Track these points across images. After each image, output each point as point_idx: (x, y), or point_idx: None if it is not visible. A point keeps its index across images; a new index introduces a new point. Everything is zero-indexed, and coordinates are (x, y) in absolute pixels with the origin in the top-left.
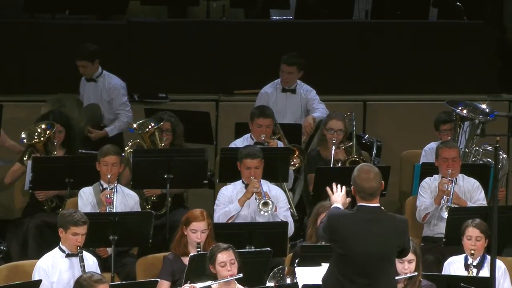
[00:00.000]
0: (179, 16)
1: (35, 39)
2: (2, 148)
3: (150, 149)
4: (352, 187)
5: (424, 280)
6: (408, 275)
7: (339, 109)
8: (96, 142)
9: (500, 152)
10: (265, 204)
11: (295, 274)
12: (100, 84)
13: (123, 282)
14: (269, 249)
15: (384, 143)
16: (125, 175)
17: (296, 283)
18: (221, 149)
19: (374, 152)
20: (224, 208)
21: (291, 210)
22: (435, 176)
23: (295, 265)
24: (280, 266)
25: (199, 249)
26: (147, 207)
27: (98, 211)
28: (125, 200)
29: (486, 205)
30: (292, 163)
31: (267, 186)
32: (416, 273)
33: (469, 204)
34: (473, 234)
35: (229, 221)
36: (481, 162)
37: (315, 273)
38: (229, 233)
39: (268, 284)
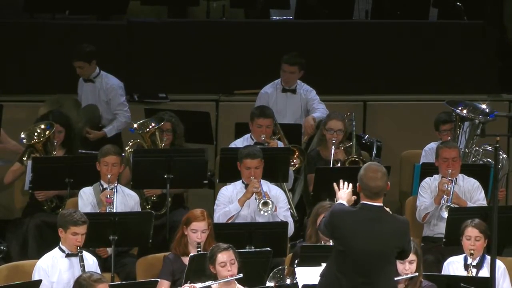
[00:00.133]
0: (179, 16)
1: (35, 39)
2: (3, 148)
3: (150, 149)
4: (358, 184)
5: (425, 280)
6: (409, 275)
7: (339, 109)
8: (95, 142)
9: (500, 152)
10: (265, 204)
11: (295, 274)
12: (98, 84)
13: (123, 282)
14: (269, 249)
15: (384, 143)
16: (125, 175)
17: (296, 283)
18: (221, 149)
19: (374, 152)
20: (224, 208)
21: (291, 211)
22: (435, 176)
23: (295, 265)
24: (280, 267)
25: (199, 249)
26: (147, 207)
27: (98, 211)
28: (125, 200)
29: (486, 205)
30: (292, 163)
31: (267, 186)
32: (417, 274)
33: (469, 204)
34: (472, 234)
35: (229, 221)
36: (481, 162)
37: (315, 273)
38: (229, 233)
39: (268, 284)
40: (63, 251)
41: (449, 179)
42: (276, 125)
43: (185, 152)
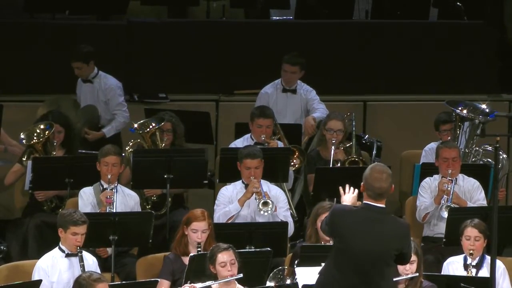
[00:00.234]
0: (179, 16)
1: (35, 39)
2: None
3: (150, 149)
4: (362, 183)
5: (425, 280)
6: (409, 275)
7: (339, 109)
8: (94, 142)
9: (500, 152)
10: (265, 204)
11: (295, 274)
12: (96, 85)
13: (123, 282)
14: (269, 249)
15: (384, 143)
16: (126, 174)
17: (296, 283)
18: (221, 149)
19: (374, 152)
20: (224, 208)
21: (291, 211)
22: (435, 176)
23: (295, 265)
24: (280, 267)
25: (200, 249)
26: (147, 207)
27: (98, 211)
28: (126, 200)
29: (486, 205)
30: (292, 163)
31: (267, 186)
32: (417, 274)
33: (469, 204)
34: (471, 234)
35: (229, 221)
36: (481, 162)
37: (315, 273)
38: (229, 233)
39: (268, 284)
40: (63, 251)
41: (449, 179)
42: (276, 125)
43: (185, 152)
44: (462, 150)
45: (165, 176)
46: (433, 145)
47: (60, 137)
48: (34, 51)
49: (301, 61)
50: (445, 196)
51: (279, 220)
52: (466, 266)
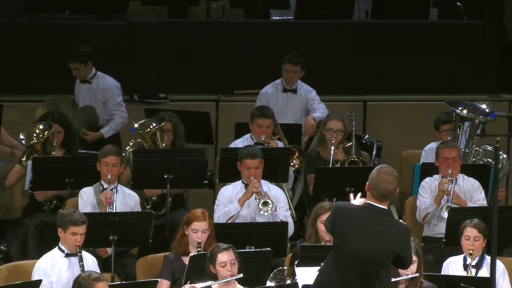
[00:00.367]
0: (179, 16)
1: (35, 39)
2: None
3: (150, 149)
4: (367, 182)
5: (426, 281)
6: (410, 276)
7: (339, 109)
8: (94, 143)
9: (500, 152)
10: (265, 204)
11: (295, 274)
12: (95, 85)
13: (123, 282)
14: (269, 249)
15: (384, 143)
16: (126, 174)
17: (296, 284)
18: (221, 149)
19: (374, 152)
20: (224, 208)
21: (291, 212)
22: (435, 176)
23: (295, 265)
24: (280, 267)
25: (200, 249)
26: (147, 207)
27: (98, 211)
28: (126, 200)
29: (486, 205)
30: (292, 164)
31: (267, 186)
32: (417, 274)
33: (469, 204)
34: (471, 234)
35: (229, 221)
36: (481, 162)
37: (315, 274)
38: (229, 233)
39: (268, 284)
40: (62, 251)
41: (449, 179)
42: (276, 125)
43: (185, 152)
44: (462, 150)
45: (165, 176)
46: (433, 145)
47: (60, 137)
48: (34, 51)
49: (302, 60)
50: (445, 196)
51: (279, 220)
52: (465, 266)
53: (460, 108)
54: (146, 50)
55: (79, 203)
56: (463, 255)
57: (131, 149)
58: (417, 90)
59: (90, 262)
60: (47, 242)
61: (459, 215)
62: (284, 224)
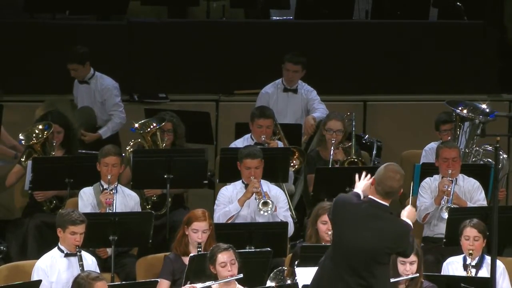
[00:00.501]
0: (179, 16)
1: (35, 39)
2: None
3: (150, 149)
4: (373, 177)
5: (426, 281)
6: (410, 276)
7: (339, 109)
8: (93, 143)
9: (500, 152)
10: (265, 204)
11: (295, 274)
12: (93, 85)
13: (123, 282)
14: (269, 249)
15: (384, 143)
16: (126, 174)
17: (296, 284)
18: (221, 149)
19: (374, 152)
20: (224, 208)
21: (290, 213)
22: (435, 176)
23: (295, 265)
24: (281, 267)
25: (200, 249)
26: (147, 207)
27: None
28: (125, 200)
29: (486, 205)
30: (292, 164)
31: (267, 186)
32: (417, 275)
33: (469, 205)
34: (471, 234)
35: (229, 221)
36: (481, 162)
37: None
38: (229, 233)
39: (268, 284)
40: (62, 251)
41: (449, 179)
42: (277, 126)
43: (185, 152)
44: (462, 150)
45: (165, 176)
46: (433, 144)
47: (60, 137)
48: (34, 51)
49: (303, 60)
50: (445, 196)
51: (279, 220)
52: (465, 266)
53: (460, 108)
54: (146, 50)
55: (79, 203)
56: (463, 255)
57: (131, 149)
58: (417, 90)
59: (90, 262)
60: (47, 242)
61: (459, 215)
62: (284, 224)
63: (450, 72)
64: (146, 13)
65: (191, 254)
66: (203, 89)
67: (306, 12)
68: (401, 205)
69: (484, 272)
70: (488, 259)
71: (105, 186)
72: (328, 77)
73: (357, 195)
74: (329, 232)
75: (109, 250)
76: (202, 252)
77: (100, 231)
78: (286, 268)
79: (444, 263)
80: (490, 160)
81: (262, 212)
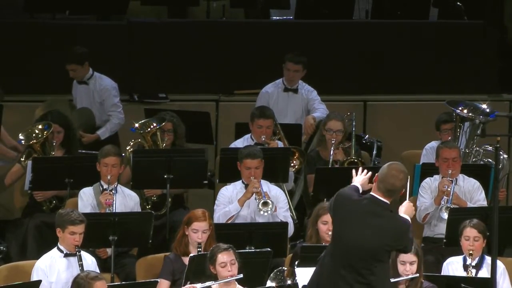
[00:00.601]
0: (179, 16)
1: (35, 39)
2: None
3: (150, 149)
4: (376, 174)
5: (426, 281)
6: (410, 276)
7: (339, 109)
8: (93, 143)
9: (501, 153)
10: (265, 204)
11: (295, 274)
12: (92, 86)
13: (123, 282)
14: (269, 249)
15: (384, 143)
16: (126, 174)
17: (296, 284)
18: (221, 149)
19: (374, 152)
20: (224, 208)
21: (290, 213)
22: (435, 176)
23: (295, 266)
24: (281, 267)
25: (200, 249)
26: (147, 207)
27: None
28: (125, 201)
29: (487, 205)
30: (292, 165)
31: (267, 186)
32: (417, 275)
33: (469, 205)
34: (471, 235)
35: (229, 221)
36: (481, 162)
37: None
38: (229, 234)
39: (268, 284)
40: (61, 251)
41: (449, 180)
42: (277, 126)
43: (185, 152)
44: (463, 150)
45: (165, 176)
46: (434, 144)
47: (60, 137)
48: (34, 51)
49: (303, 59)
50: (445, 196)
51: (279, 220)
52: (465, 267)
53: (460, 108)
54: (146, 50)
55: (79, 204)
56: (463, 255)
57: (131, 149)
58: (417, 90)
59: (89, 262)
60: (47, 243)
61: (459, 216)
62: (284, 224)
63: (450, 72)
64: (146, 13)
65: (191, 254)
66: (203, 89)
67: (306, 12)
68: (400, 204)
69: (484, 273)
70: (488, 259)
71: (105, 186)
72: (328, 77)
73: (356, 189)
74: (330, 233)
75: (109, 250)
76: (202, 252)
77: (100, 231)
78: (286, 268)
79: (444, 264)
80: (490, 160)
81: (262, 212)
